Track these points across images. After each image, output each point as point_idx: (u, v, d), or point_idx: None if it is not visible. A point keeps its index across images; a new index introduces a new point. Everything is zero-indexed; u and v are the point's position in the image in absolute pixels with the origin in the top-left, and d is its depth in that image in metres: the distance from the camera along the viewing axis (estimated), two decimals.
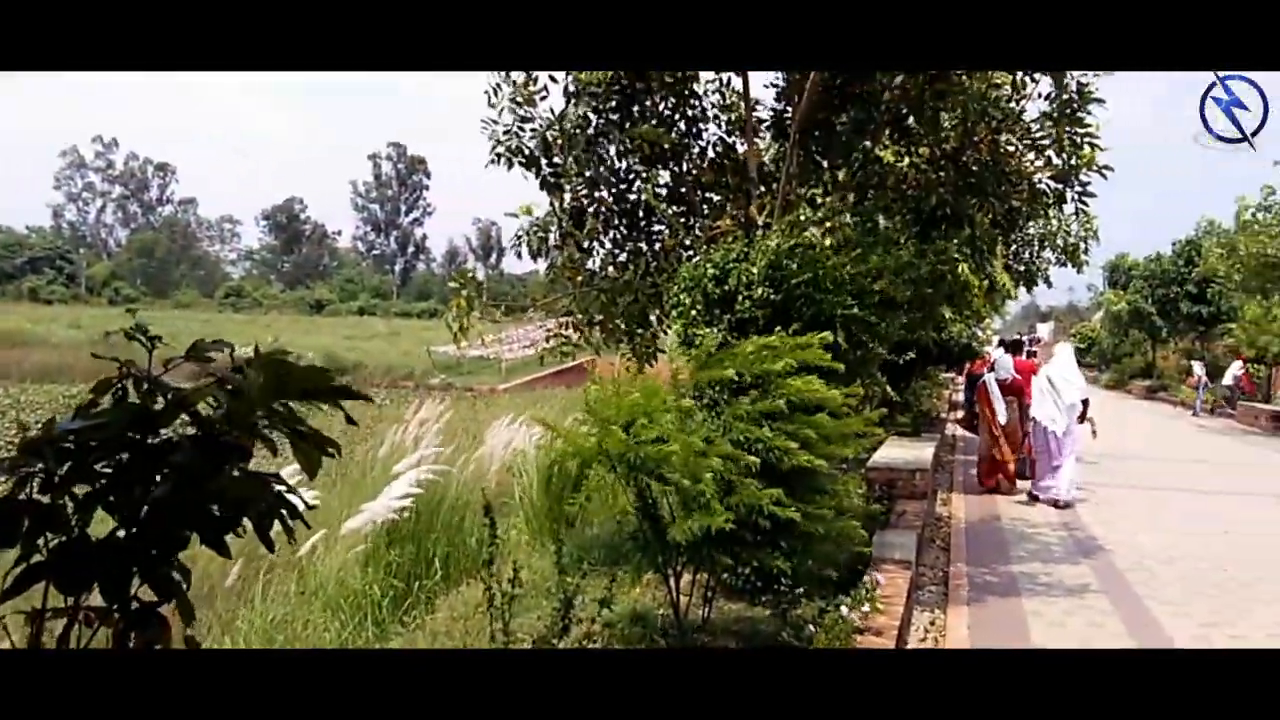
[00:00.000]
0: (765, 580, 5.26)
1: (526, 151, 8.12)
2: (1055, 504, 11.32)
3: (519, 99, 8.01)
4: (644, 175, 8.07)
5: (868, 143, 7.56)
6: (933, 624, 6.57)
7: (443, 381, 36.00)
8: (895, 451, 10.00)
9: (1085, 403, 11.86)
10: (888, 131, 7.64)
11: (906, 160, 7.88)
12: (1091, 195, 7.73)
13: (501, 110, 8.03)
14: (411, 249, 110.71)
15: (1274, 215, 20.16)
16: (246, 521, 1.42)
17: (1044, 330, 40.17)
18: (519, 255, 8.75)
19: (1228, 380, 25.41)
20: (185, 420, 1.45)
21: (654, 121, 7.84)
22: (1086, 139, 7.34)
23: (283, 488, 1.44)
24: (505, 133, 8.09)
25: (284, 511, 1.43)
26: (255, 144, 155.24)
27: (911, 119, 7.44)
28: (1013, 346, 13.95)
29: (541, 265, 8.93)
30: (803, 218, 6.65)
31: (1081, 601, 7.14)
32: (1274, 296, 23.80)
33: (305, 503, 1.52)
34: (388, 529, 6.80)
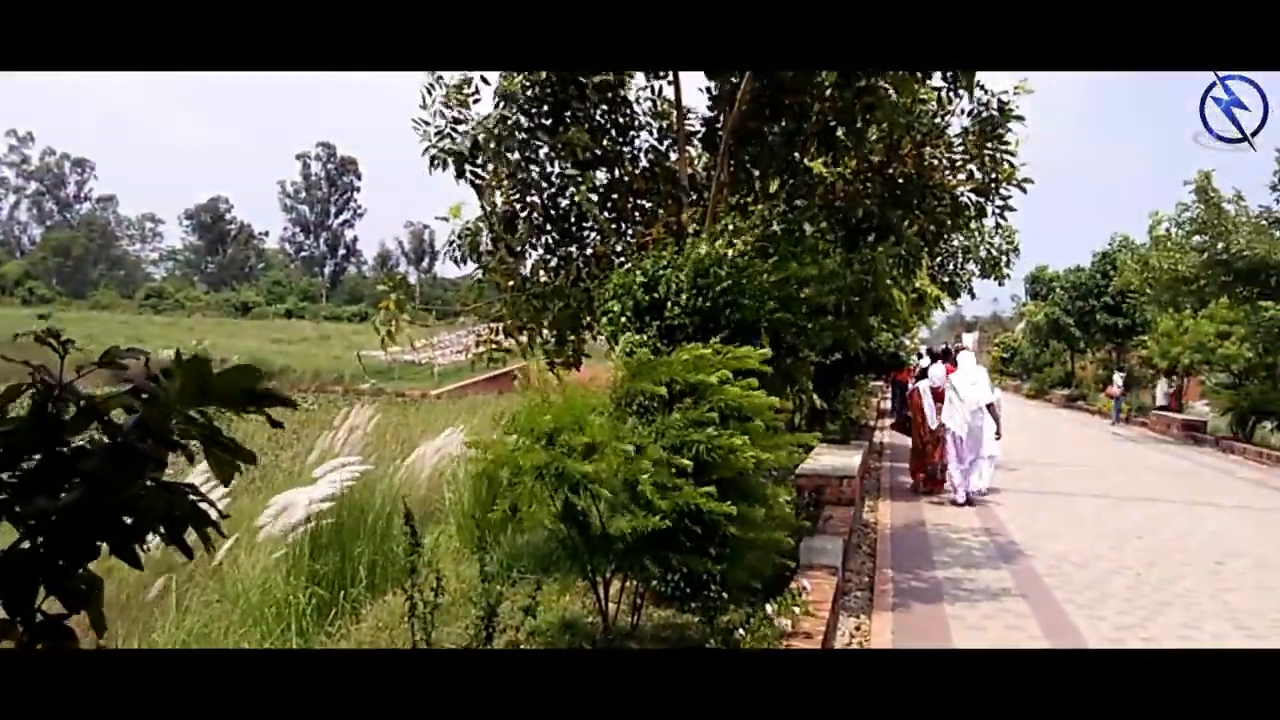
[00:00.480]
0: (694, 586, 5.29)
1: (459, 154, 8.06)
2: (969, 502, 12.10)
3: (451, 101, 7.95)
4: (577, 180, 8.07)
5: (797, 154, 7.67)
6: (858, 629, 6.68)
7: (373, 386, 35.42)
8: (824, 459, 10.15)
9: (991, 406, 12.54)
10: (816, 143, 7.77)
11: (835, 171, 8.02)
12: (1011, 209, 7.97)
13: (435, 112, 7.96)
14: (342, 251, 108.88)
15: (1184, 232, 20.96)
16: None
17: (969, 340, 41.17)
18: (454, 261, 8.69)
19: (1160, 400, 26.07)
20: (98, 428, 1.42)
21: (586, 127, 7.85)
22: (1004, 155, 7.57)
23: (197, 497, 1.41)
24: (437, 134, 8.02)
25: (199, 521, 1.41)
26: (179, 142, 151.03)
27: (840, 131, 7.58)
28: (942, 356, 14.57)
29: (473, 269, 8.87)
30: (730, 226, 6.72)
31: (1001, 605, 7.32)
32: (1184, 310, 24.72)
33: (221, 512, 1.49)
34: (311, 535, 6.67)
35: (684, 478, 4.72)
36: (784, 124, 7.68)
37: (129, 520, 1.34)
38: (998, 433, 12.83)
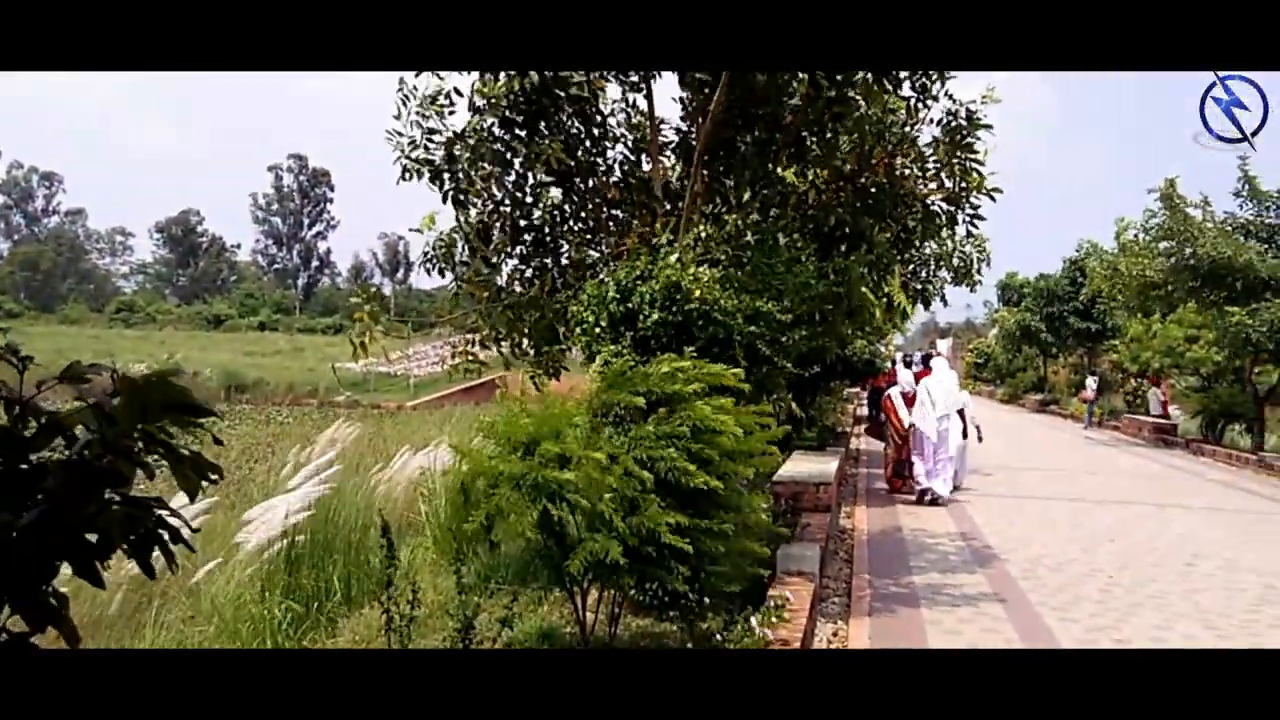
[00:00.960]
0: (672, 595, 5.29)
1: (434, 164, 8.04)
2: (936, 501, 12.55)
3: (426, 111, 7.93)
4: (550, 191, 8.08)
5: (769, 164, 7.72)
6: (835, 635, 6.70)
7: (348, 399, 35.26)
8: (801, 465, 10.17)
9: (961, 412, 13.35)
10: (789, 153, 7.82)
11: (807, 181, 8.08)
12: (981, 219, 8.06)
13: (410, 122, 7.94)
14: (315, 263, 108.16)
15: (1152, 237, 21.20)
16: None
17: (944, 346, 41.43)
18: (428, 271, 8.67)
19: (1155, 409, 25.82)
20: (61, 444, 1.40)
21: (560, 138, 7.86)
22: (972, 164, 7.65)
23: (165, 512, 1.40)
24: (411, 144, 8.00)
25: (166, 536, 1.40)
26: (150, 154, 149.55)
27: (811, 141, 7.63)
28: (924, 361, 15.66)
29: (449, 280, 8.86)
30: (703, 234, 6.74)
31: (977, 609, 7.37)
32: (1154, 314, 24.98)
33: (191, 527, 1.48)
34: (287, 550, 6.62)
35: (650, 494, 4.71)
36: (756, 134, 7.73)
37: (92, 538, 1.33)
38: (979, 436, 14.01)
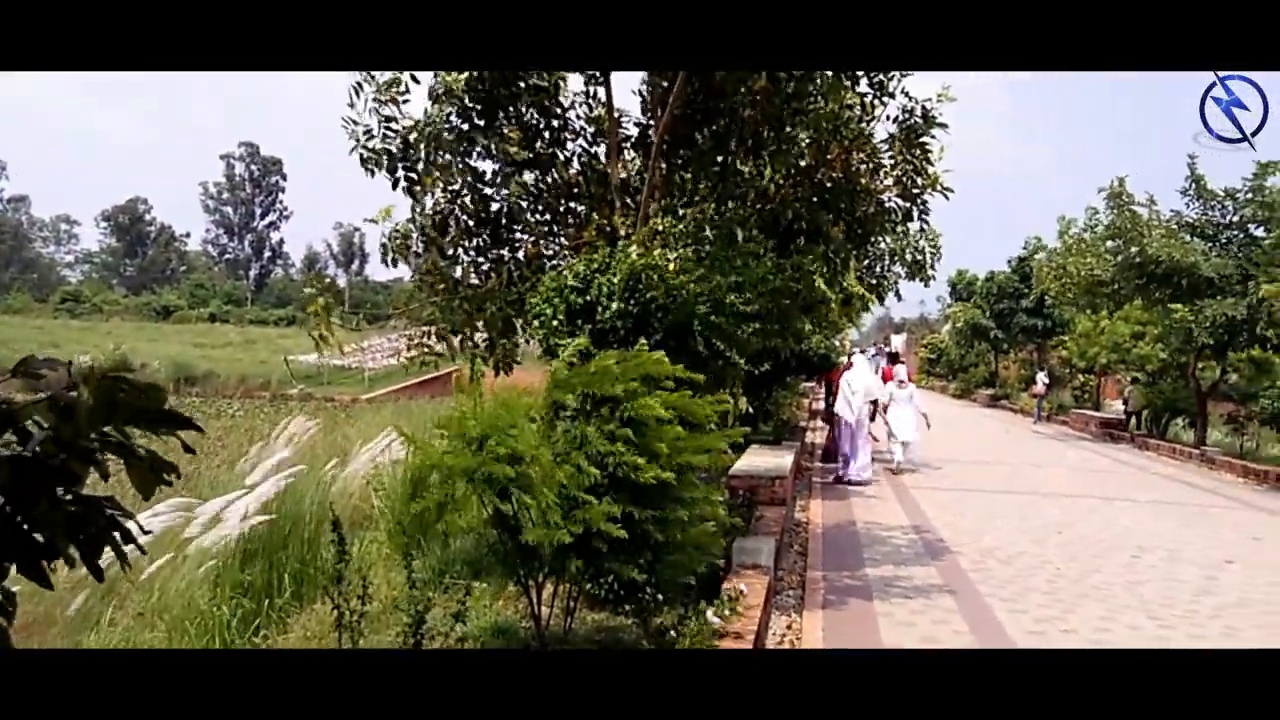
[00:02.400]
0: (627, 589, 5.29)
1: (390, 154, 7.93)
2: (854, 482, 13.87)
3: (383, 98, 7.83)
4: (509, 177, 8.03)
5: (728, 157, 7.75)
6: (789, 627, 6.76)
7: (302, 391, 34.79)
8: (756, 459, 10.25)
9: (874, 402, 15.05)
10: (746, 147, 7.85)
11: (765, 176, 8.12)
12: (927, 212, 8.17)
13: (369, 110, 7.83)
14: (268, 253, 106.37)
15: (1098, 236, 21.57)
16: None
17: (898, 341, 41.97)
18: (385, 263, 8.57)
19: (1133, 406, 25.86)
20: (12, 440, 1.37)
21: (519, 129, 7.81)
22: (925, 162, 7.74)
23: (115, 510, 1.37)
24: (366, 134, 7.89)
25: (118, 536, 1.37)
26: (95, 141, 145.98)
27: (767, 135, 7.67)
28: (889, 359, 17.82)
29: (406, 272, 8.78)
30: (662, 229, 6.75)
31: (929, 601, 7.48)
32: (1101, 311, 25.47)
33: (141, 527, 1.45)
34: (239, 546, 6.52)
35: (594, 491, 4.71)
36: (714, 128, 7.75)
37: (39, 537, 1.30)
38: (927, 424, 15.80)
